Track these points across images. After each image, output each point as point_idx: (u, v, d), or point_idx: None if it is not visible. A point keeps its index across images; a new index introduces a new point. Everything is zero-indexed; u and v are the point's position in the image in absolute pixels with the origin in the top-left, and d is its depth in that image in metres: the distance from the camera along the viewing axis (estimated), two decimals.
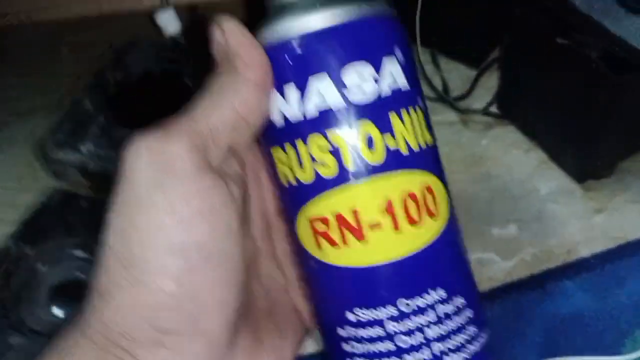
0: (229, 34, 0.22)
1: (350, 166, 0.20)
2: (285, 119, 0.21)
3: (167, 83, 0.53)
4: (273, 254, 0.27)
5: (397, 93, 0.21)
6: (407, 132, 0.21)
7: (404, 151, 0.21)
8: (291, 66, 0.20)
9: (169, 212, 0.19)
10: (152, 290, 0.19)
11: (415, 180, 0.21)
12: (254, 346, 0.23)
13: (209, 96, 0.22)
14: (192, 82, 0.52)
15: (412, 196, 0.21)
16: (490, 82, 0.63)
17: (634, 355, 0.43)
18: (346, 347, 0.22)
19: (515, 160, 0.57)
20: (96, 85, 0.51)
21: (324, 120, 0.20)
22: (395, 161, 0.21)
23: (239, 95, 0.21)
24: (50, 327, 0.42)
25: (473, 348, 0.23)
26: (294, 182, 0.20)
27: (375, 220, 0.20)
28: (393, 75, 0.21)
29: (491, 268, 0.49)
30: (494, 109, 0.60)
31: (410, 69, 0.23)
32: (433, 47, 0.66)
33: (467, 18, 0.61)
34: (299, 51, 0.20)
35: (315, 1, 0.21)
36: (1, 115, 0.68)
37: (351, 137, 0.20)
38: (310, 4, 0.21)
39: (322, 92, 0.20)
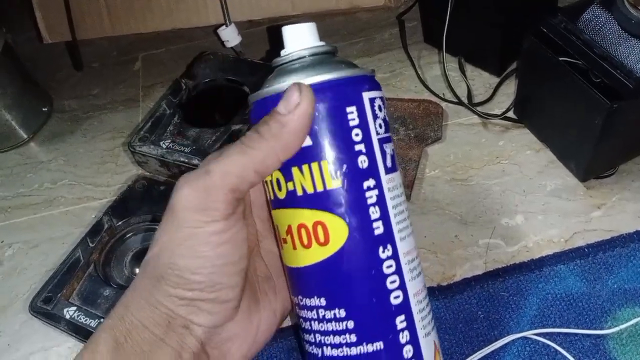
0: (301, 104, 0.26)
1: (271, 197, 0.29)
2: None
3: (229, 90, 0.64)
4: (271, 233, 0.33)
5: (303, 149, 0.27)
6: (303, 179, 0.26)
7: (299, 192, 0.27)
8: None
9: (202, 234, 0.26)
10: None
11: (305, 216, 0.27)
12: (253, 305, 0.30)
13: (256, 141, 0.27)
14: (250, 90, 0.62)
15: (304, 226, 0.27)
16: (510, 90, 0.71)
17: (613, 330, 0.50)
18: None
19: (527, 159, 0.64)
20: (172, 92, 0.62)
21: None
22: (291, 200, 0.27)
23: (281, 142, 0.26)
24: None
25: (350, 352, 0.27)
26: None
27: (283, 237, 0.28)
28: None
29: (497, 252, 0.58)
30: (511, 114, 0.67)
31: (314, 129, 0.27)
32: (460, 56, 0.73)
33: (491, 31, 0.69)
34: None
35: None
36: (85, 109, 0.81)
37: (273, 177, 0.28)
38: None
39: None
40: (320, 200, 0.27)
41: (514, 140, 0.66)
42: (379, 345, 0.27)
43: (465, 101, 0.70)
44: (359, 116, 0.27)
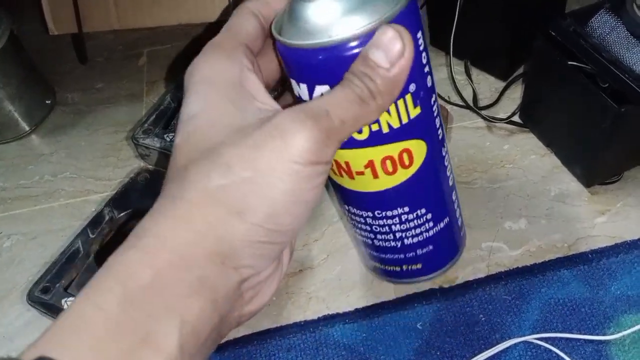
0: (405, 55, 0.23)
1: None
2: None
3: None
4: None
5: None
6: (390, 117, 0.26)
7: (385, 130, 0.26)
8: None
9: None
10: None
11: (393, 149, 0.27)
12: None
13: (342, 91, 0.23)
14: None
15: (390, 157, 0.28)
16: (516, 94, 0.71)
17: (616, 336, 0.50)
18: (349, 218, 0.34)
19: (531, 164, 0.64)
20: (177, 86, 0.62)
21: None
22: (375, 138, 0.27)
23: (390, 99, 0.24)
24: None
25: (430, 232, 0.33)
26: None
27: (359, 171, 0.29)
28: None
29: (500, 255, 0.57)
30: (517, 118, 0.67)
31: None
32: (466, 59, 0.73)
33: (498, 35, 0.69)
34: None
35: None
36: (88, 103, 0.81)
37: None
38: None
39: None
40: (407, 131, 0.27)
41: (518, 145, 0.66)
42: (446, 220, 0.34)
43: (471, 104, 0.70)
44: (422, 38, 0.26)
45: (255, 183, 0.22)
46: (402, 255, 0.35)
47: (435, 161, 0.30)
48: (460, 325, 0.52)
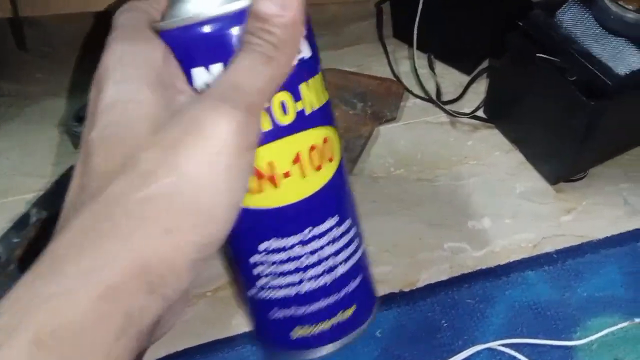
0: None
1: (269, 127, 0.23)
2: None
3: None
4: None
5: (303, 63, 0.24)
6: (310, 95, 0.24)
7: (308, 111, 0.24)
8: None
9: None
10: None
11: (315, 135, 0.25)
12: None
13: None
14: None
15: (315, 147, 0.24)
16: (480, 89, 0.68)
17: (583, 341, 0.47)
18: (256, 271, 0.26)
19: (496, 160, 0.61)
20: None
21: None
22: (300, 122, 0.24)
23: (293, 50, 0.23)
24: None
25: (357, 255, 0.28)
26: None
27: (286, 171, 0.24)
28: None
29: (463, 256, 0.54)
30: (481, 113, 0.65)
31: (310, 37, 0.25)
32: (430, 52, 0.70)
33: (463, 29, 0.66)
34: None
35: None
36: (27, 94, 0.75)
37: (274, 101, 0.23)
38: None
39: None
40: (324, 114, 0.25)
41: (483, 141, 0.63)
42: (361, 239, 0.29)
43: (435, 99, 0.67)
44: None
45: (180, 190, 0.19)
46: (335, 297, 0.28)
47: (343, 159, 0.27)
48: (422, 332, 0.49)
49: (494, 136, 0.63)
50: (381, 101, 0.67)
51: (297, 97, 0.24)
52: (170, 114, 0.20)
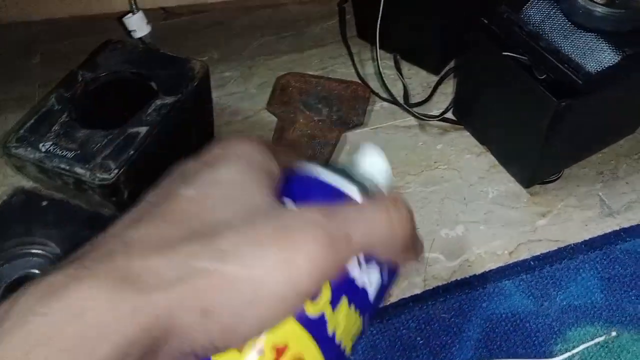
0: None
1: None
2: None
3: (132, 85, 0.55)
4: None
5: (371, 288, 0.22)
6: (342, 324, 0.21)
7: (330, 332, 0.21)
8: None
9: None
10: None
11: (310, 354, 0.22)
12: None
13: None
14: (157, 85, 0.53)
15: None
16: (449, 89, 0.66)
17: (565, 355, 0.45)
18: None
19: (467, 164, 0.59)
20: (65, 83, 0.53)
21: None
22: (315, 328, 0.20)
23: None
24: None
25: None
26: None
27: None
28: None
29: (436, 267, 0.52)
30: (450, 115, 0.62)
31: (386, 282, 0.22)
32: (395, 53, 0.68)
33: (429, 27, 0.63)
34: None
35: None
36: None
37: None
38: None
39: None
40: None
41: (453, 144, 0.61)
42: None
43: (402, 101, 0.64)
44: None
45: (240, 281, 0.17)
46: None
47: None
48: (396, 352, 0.46)
49: (464, 138, 0.61)
50: (347, 106, 0.64)
51: (334, 304, 0.20)
52: (265, 212, 0.19)
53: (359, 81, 0.67)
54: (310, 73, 0.68)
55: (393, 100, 0.64)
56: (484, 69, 0.54)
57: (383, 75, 0.65)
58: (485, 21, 0.49)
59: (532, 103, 0.47)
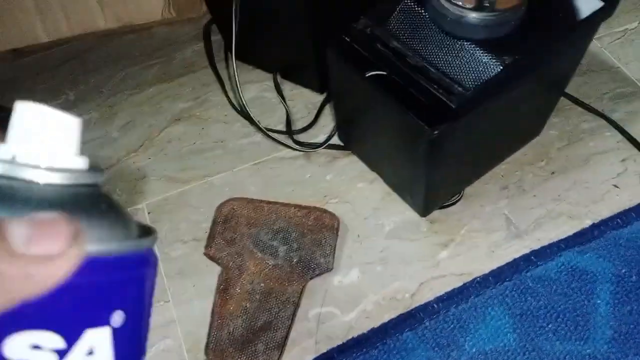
0: None
1: None
2: None
3: None
4: None
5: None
6: None
7: None
8: None
9: None
10: None
11: None
12: None
13: None
14: None
15: None
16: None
17: None
18: None
19: (359, 195, 0.52)
20: None
21: None
22: None
23: None
24: None
25: None
26: None
27: None
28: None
29: (331, 324, 0.45)
30: (337, 139, 0.55)
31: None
32: (275, 72, 0.60)
33: (302, 41, 0.56)
34: None
35: None
36: None
37: None
38: None
39: None
40: None
41: (342, 172, 0.54)
42: None
43: (284, 129, 0.57)
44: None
45: None
46: None
47: None
48: None
49: (354, 164, 0.54)
50: (311, 242, 0.49)
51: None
52: None
53: (321, 206, 0.51)
54: (259, 198, 0.51)
55: (278, 129, 0.57)
56: (348, 92, 0.47)
57: (263, 98, 0.58)
58: (347, 38, 0.42)
59: (405, 130, 0.41)
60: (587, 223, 0.49)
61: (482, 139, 0.45)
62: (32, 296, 0.14)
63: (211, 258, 0.49)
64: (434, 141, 0.37)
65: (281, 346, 0.44)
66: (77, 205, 0.16)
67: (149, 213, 0.52)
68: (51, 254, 0.14)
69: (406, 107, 0.38)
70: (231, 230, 0.50)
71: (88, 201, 0.17)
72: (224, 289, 0.47)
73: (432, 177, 0.43)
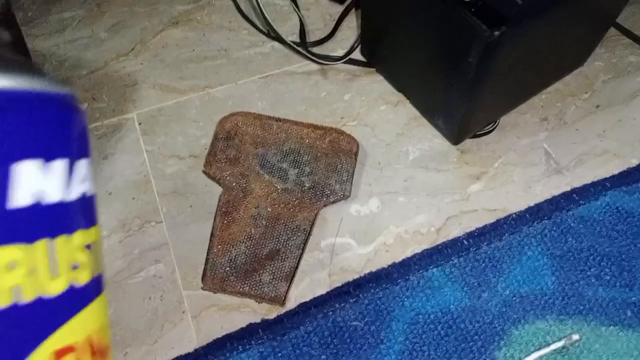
0: None
1: None
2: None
3: None
4: None
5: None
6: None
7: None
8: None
9: None
10: None
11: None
12: None
13: None
14: None
15: None
16: (357, 21, 0.52)
17: None
18: None
19: (382, 118, 0.46)
20: None
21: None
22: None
23: None
24: None
25: None
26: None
27: None
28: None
29: (346, 256, 0.40)
30: (358, 54, 0.49)
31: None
32: None
33: None
34: None
35: None
36: None
37: None
38: None
39: None
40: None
41: (363, 92, 0.48)
42: None
43: (297, 40, 0.50)
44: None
45: None
46: None
47: None
48: None
49: (377, 84, 0.48)
50: (325, 165, 0.43)
51: None
52: None
53: (337, 127, 0.45)
54: (266, 114, 0.45)
55: (288, 41, 0.50)
56: None
57: (274, 5, 0.50)
58: None
59: (458, 35, 0.34)
60: (634, 163, 0.44)
61: (532, 55, 0.39)
62: None
63: (211, 177, 0.43)
64: (491, 46, 0.31)
65: (290, 277, 0.39)
66: None
67: (139, 124, 0.46)
68: None
69: (465, 6, 0.31)
70: (234, 148, 0.44)
71: None
72: (225, 212, 0.41)
73: (475, 95, 0.37)
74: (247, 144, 0.44)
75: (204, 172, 0.43)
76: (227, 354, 0.36)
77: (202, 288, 0.38)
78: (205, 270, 0.39)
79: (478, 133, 0.44)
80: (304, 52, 0.49)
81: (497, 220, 0.41)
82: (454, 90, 0.39)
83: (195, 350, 0.36)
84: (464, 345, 0.36)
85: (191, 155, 0.44)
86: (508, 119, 0.46)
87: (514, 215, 0.41)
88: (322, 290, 0.38)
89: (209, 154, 0.44)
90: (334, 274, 0.39)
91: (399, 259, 0.39)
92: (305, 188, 0.42)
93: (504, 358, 0.35)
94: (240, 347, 0.36)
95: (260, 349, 0.36)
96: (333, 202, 0.42)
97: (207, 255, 0.39)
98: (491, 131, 0.45)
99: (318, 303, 0.37)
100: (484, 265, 0.39)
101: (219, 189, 0.42)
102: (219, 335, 0.37)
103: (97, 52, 0.50)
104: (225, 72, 0.49)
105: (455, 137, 0.43)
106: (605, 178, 0.43)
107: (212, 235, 0.40)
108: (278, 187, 0.42)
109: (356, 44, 0.48)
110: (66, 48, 0.50)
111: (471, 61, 0.35)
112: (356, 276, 0.39)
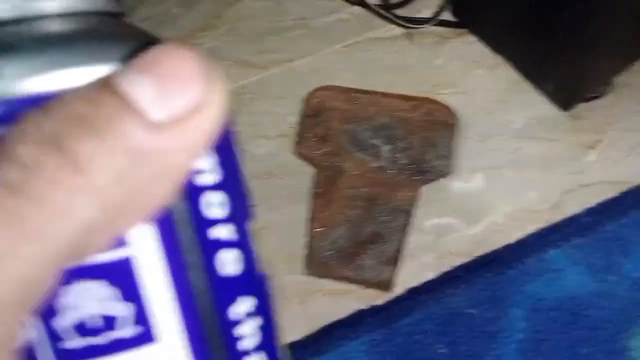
0: None
1: None
2: None
3: None
4: None
5: None
6: None
7: None
8: None
9: None
10: None
11: None
12: None
13: None
14: None
15: None
16: None
17: None
18: None
19: (479, 84, 0.43)
20: None
21: None
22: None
23: None
24: None
25: None
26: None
27: None
28: None
29: (452, 237, 0.37)
30: (448, 15, 0.45)
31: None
32: None
33: None
34: None
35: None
36: None
37: None
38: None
39: None
40: None
41: (456, 56, 0.44)
42: None
43: (376, 1, 0.46)
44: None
45: None
46: None
47: None
48: None
49: (470, 46, 0.44)
50: (421, 140, 0.40)
51: None
52: None
53: (432, 97, 0.41)
54: (354, 87, 0.42)
55: (371, 4, 0.46)
56: None
57: None
58: None
59: None
60: None
61: None
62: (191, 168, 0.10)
63: (303, 157, 0.41)
64: None
65: (394, 260, 0.36)
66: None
67: None
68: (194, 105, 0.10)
69: None
70: (323, 125, 0.41)
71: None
72: (322, 193, 0.39)
73: (589, 50, 0.33)
74: (334, 120, 0.42)
75: (297, 152, 0.41)
76: (337, 342, 0.34)
77: (307, 273, 0.37)
78: (309, 255, 0.37)
79: (591, 96, 0.40)
80: (388, 14, 0.45)
81: (621, 194, 0.37)
82: (565, 47, 0.35)
83: (306, 336, 0.35)
84: (592, 333, 0.33)
85: (280, 135, 0.42)
86: (624, 79, 0.41)
87: (639, 185, 0.37)
88: (430, 275, 0.36)
89: (298, 133, 0.41)
90: (441, 257, 0.37)
91: (511, 240, 0.37)
92: (401, 165, 0.39)
93: (634, 348, 0.32)
94: (352, 334, 0.34)
95: (371, 337, 0.34)
96: (433, 180, 0.39)
97: (310, 239, 0.38)
98: (605, 94, 0.41)
99: (428, 289, 0.35)
100: (609, 245, 0.36)
101: (310, 169, 0.40)
102: (327, 322, 0.35)
103: (171, 30, 0.48)
104: (305, 42, 0.46)
105: (566, 101, 0.40)
106: None
107: (312, 217, 0.38)
108: (372, 165, 0.40)
109: (445, 4, 0.44)
110: (140, 27, 0.48)
111: (583, 11, 0.31)
112: (466, 259, 0.36)
